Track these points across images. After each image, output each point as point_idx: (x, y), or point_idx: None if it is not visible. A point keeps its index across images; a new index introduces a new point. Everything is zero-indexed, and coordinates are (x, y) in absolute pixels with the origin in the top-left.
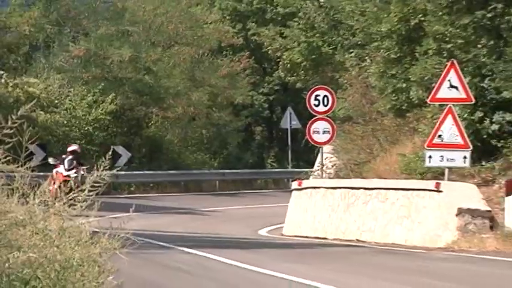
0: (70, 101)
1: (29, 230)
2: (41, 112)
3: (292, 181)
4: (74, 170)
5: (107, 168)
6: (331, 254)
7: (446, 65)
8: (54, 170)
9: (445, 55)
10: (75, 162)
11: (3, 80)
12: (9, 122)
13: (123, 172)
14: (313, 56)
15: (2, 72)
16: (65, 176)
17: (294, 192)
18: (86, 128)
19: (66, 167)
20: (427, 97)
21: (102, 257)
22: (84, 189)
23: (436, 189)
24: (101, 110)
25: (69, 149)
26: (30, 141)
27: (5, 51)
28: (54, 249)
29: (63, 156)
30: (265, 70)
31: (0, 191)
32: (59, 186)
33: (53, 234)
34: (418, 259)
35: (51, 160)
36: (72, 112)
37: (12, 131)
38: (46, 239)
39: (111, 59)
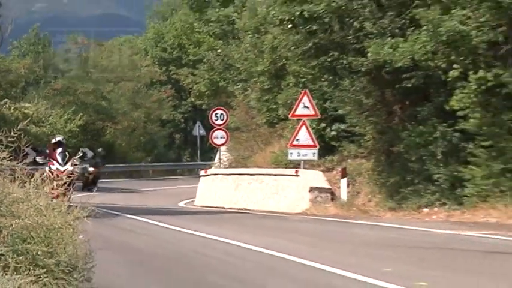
0: (52, 118)
1: (26, 205)
2: (33, 126)
3: (201, 170)
4: (70, 163)
5: (78, 163)
6: (228, 219)
7: (301, 92)
8: (47, 168)
9: (300, 86)
10: (67, 154)
11: (7, 105)
12: (12, 133)
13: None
14: (213, 88)
15: (6, 100)
16: (63, 172)
17: (202, 177)
18: (63, 137)
19: (60, 161)
20: (289, 114)
21: (75, 222)
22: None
23: (295, 174)
24: (73, 124)
25: (54, 140)
26: (25, 146)
27: (8, 86)
28: (43, 218)
29: (47, 151)
30: (182, 97)
31: (6, 179)
32: (60, 185)
33: (42, 208)
34: (284, 220)
35: (39, 159)
36: (54, 126)
37: (14, 139)
38: (37, 211)
39: (79, 91)
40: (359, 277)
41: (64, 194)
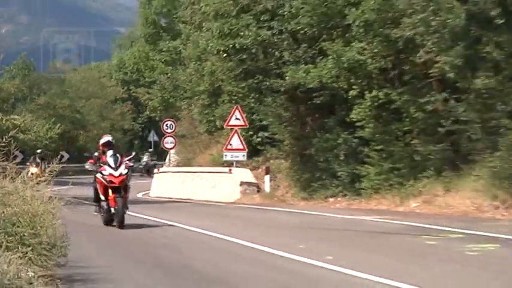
0: (36, 127)
1: (15, 196)
2: (21, 134)
3: (155, 168)
4: (123, 166)
5: (58, 163)
6: (176, 207)
7: (234, 108)
8: (99, 175)
9: (233, 102)
10: (118, 156)
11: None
12: (4, 140)
13: (65, 164)
14: (164, 103)
15: None
16: (118, 177)
17: (155, 174)
18: (45, 142)
19: (113, 165)
20: (224, 124)
21: (54, 210)
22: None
23: (229, 172)
24: (53, 133)
25: (102, 141)
26: (15, 149)
27: (0, 101)
28: (29, 206)
29: (96, 154)
30: (139, 111)
31: None
32: (114, 189)
33: (28, 198)
34: (221, 208)
35: (89, 166)
36: (38, 134)
37: (5, 144)
38: (24, 201)
39: (58, 106)
40: (279, 252)
41: (123, 201)
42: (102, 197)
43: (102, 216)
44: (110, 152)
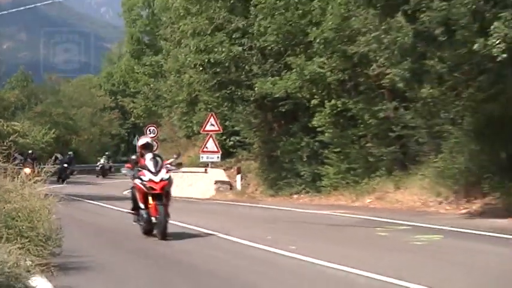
0: (34, 133)
1: (15, 194)
2: (20, 138)
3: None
4: (164, 171)
5: (53, 164)
6: None
7: (209, 115)
8: (138, 181)
9: (209, 110)
10: (159, 159)
11: (1, 123)
12: (5, 143)
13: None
14: (147, 111)
15: (0, 119)
16: (159, 182)
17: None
18: (42, 146)
19: (153, 170)
20: (201, 130)
21: (50, 206)
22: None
23: (205, 172)
24: (48, 137)
25: (140, 142)
26: (15, 152)
27: (2, 109)
28: (27, 203)
29: (134, 157)
30: (126, 117)
31: (0, 175)
32: (154, 197)
33: (26, 195)
34: (198, 203)
35: (125, 171)
36: (35, 138)
37: (6, 147)
38: (23, 198)
39: (53, 113)
40: (248, 243)
41: (165, 209)
42: (142, 205)
43: (141, 226)
44: (149, 155)
